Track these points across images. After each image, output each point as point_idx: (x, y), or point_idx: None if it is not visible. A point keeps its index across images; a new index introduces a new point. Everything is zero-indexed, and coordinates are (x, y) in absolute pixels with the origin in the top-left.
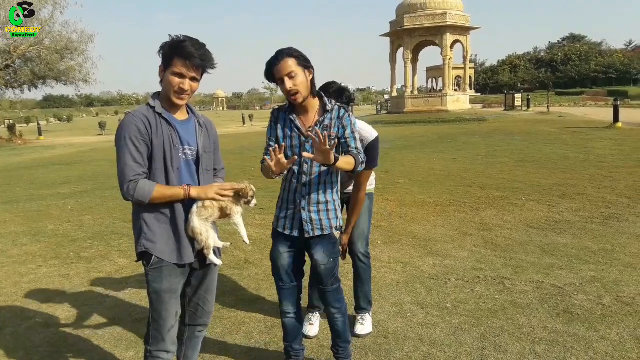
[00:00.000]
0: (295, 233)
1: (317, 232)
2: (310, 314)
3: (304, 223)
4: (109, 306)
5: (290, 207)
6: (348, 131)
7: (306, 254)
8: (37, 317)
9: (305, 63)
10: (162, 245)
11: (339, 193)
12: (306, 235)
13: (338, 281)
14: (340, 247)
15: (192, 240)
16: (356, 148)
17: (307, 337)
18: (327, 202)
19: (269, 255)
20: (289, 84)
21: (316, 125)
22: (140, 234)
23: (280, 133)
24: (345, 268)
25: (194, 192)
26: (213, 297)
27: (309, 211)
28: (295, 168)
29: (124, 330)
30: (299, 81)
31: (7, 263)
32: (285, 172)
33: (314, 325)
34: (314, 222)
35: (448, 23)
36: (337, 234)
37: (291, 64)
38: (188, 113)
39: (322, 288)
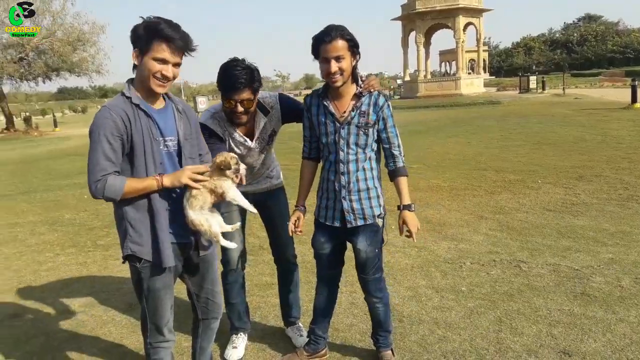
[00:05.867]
0: (336, 223)
1: (360, 222)
2: (234, 335)
3: (346, 213)
4: (125, 292)
5: (330, 197)
6: (389, 124)
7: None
8: (56, 304)
9: (354, 48)
10: (149, 247)
11: (380, 179)
12: (348, 226)
13: (380, 270)
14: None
15: (190, 234)
16: (398, 146)
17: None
18: (368, 189)
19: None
20: (334, 66)
21: (353, 110)
22: (125, 235)
23: (314, 120)
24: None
25: (167, 180)
26: (220, 288)
27: (350, 200)
28: (332, 156)
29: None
30: (344, 65)
31: (26, 252)
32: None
33: (238, 349)
34: (356, 211)
35: (460, 5)
36: (379, 222)
37: (342, 46)
38: (165, 100)
39: (364, 277)
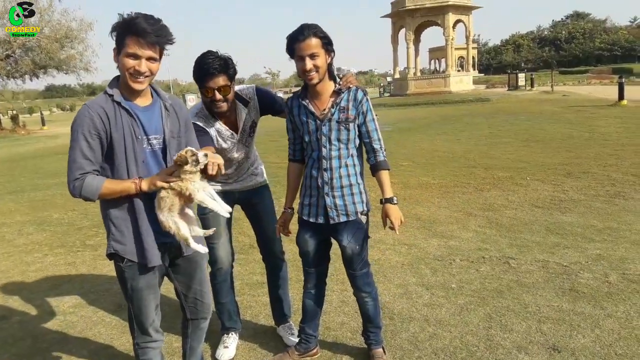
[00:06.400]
0: (320, 220)
1: (342, 218)
2: (225, 335)
3: (329, 209)
4: (115, 293)
5: (313, 194)
6: (369, 118)
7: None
8: (44, 305)
9: (328, 46)
10: (132, 246)
11: (363, 176)
12: (331, 222)
13: (367, 265)
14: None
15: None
16: (378, 140)
17: None
18: (350, 185)
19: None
20: (309, 64)
21: (332, 107)
22: (108, 234)
23: (297, 121)
24: None
25: (145, 185)
26: (208, 288)
27: (333, 196)
28: (315, 154)
29: None
30: (319, 62)
31: (14, 252)
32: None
33: (229, 349)
34: (339, 207)
35: (450, 2)
36: (363, 218)
37: (315, 43)
38: (152, 97)
39: (352, 272)
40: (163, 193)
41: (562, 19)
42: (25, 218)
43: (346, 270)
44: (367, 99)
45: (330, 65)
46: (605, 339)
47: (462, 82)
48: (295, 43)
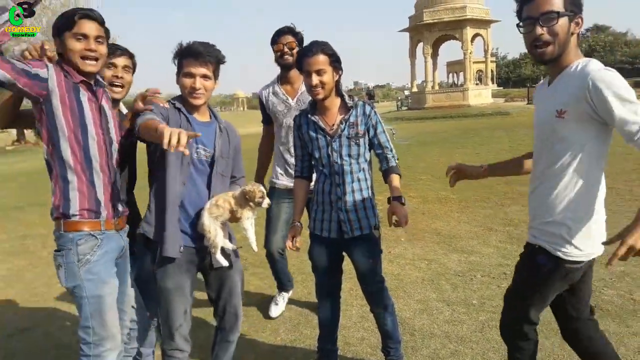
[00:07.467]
0: (333, 235)
1: (357, 233)
2: (277, 294)
3: (342, 224)
4: None
5: (326, 209)
6: (379, 130)
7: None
8: (68, 317)
9: (336, 63)
10: (158, 232)
11: (374, 189)
12: (345, 237)
13: (382, 280)
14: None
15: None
16: (391, 150)
17: (270, 317)
18: (363, 199)
19: (294, 253)
20: (315, 79)
21: (342, 123)
22: (144, 217)
23: (305, 137)
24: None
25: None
26: (239, 300)
27: (346, 211)
28: (326, 169)
29: None
30: (325, 79)
31: (39, 264)
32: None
33: (279, 305)
34: (352, 222)
35: (468, 17)
36: (375, 233)
37: (323, 60)
38: (210, 117)
39: (367, 289)
40: (220, 202)
41: (582, 32)
42: (49, 230)
43: (361, 287)
44: (375, 112)
45: (338, 82)
46: (631, 357)
47: (481, 95)
48: (303, 58)
